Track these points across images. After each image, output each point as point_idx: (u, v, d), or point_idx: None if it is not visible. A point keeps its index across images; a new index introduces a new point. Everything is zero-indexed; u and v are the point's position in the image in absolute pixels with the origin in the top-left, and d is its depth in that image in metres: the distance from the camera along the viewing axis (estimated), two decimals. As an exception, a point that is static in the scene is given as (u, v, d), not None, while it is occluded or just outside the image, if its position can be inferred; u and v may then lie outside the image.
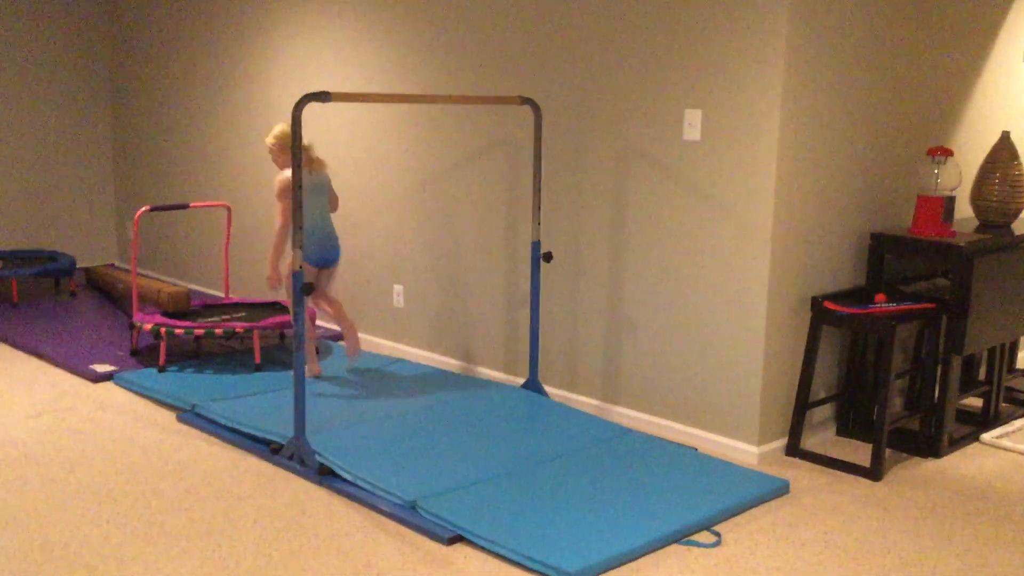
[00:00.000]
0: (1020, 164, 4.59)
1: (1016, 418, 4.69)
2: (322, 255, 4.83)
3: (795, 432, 4.18)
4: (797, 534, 3.46)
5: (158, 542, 3.31)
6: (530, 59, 4.74)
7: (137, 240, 5.37)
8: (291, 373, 5.02)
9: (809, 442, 4.30)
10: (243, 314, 5.51)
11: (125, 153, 7.85)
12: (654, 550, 3.29)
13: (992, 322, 4.29)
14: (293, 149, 3.74)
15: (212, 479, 3.84)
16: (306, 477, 3.84)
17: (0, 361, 5.38)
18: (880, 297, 4.17)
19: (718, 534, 3.42)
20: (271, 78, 6.25)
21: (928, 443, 4.24)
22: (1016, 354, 4.90)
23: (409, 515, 3.47)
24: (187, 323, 5.12)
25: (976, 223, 4.71)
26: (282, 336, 5.68)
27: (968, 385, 4.63)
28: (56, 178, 7.76)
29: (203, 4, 6.74)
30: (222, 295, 6.76)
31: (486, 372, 5.16)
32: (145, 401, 4.75)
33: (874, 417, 4.37)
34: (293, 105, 3.77)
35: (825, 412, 4.42)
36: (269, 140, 4.79)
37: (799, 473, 4.00)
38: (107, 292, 6.90)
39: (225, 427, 4.31)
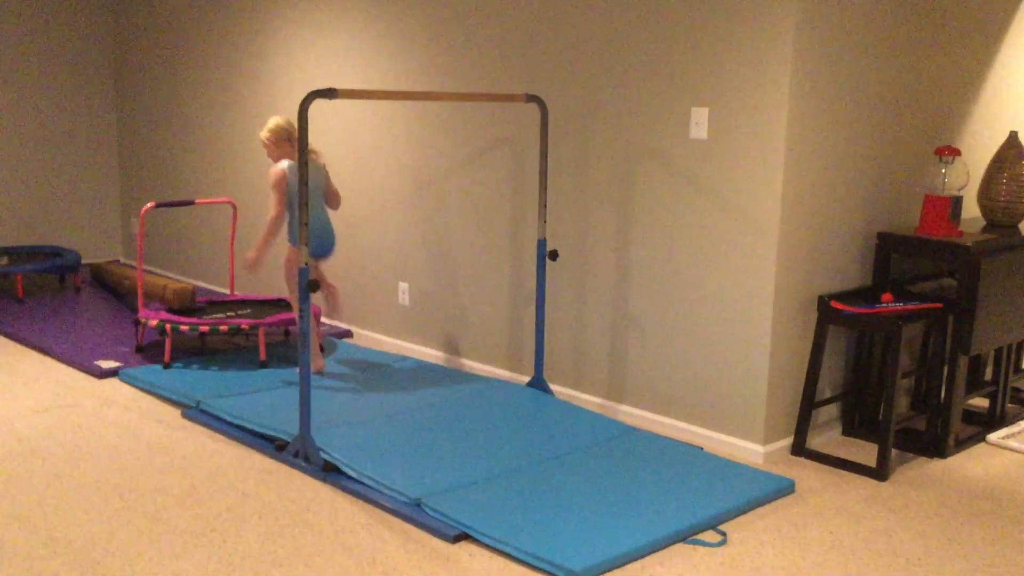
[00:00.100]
0: (1028, 164, 4.58)
1: (1022, 418, 4.68)
2: (320, 247, 4.83)
3: (801, 431, 4.18)
4: (803, 534, 3.45)
5: (163, 538, 3.31)
6: (536, 56, 4.73)
7: (142, 236, 5.36)
8: (296, 370, 5.02)
9: (815, 442, 4.29)
10: (248, 311, 5.51)
11: (130, 149, 7.85)
12: (659, 549, 3.29)
13: (999, 322, 4.28)
14: (299, 146, 3.74)
15: (217, 475, 3.84)
16: (311, 474, 3.84)
17: (5, 357, 5.38)
18: (887, 297, 4.16)
19: (724, 533, 3.41)
20: (276, 74, 6.25)
21: (934, 443, 4.23)
22: (1023, 354, 4.89)
23: (414, 513, 3.47)
24: (192, 319, 5.12)
25: (983, 223, 4.70)
26: (287, 333, 5.68)
27: (974, 385, 4.61)
28: (61, 174, 7.77)
29: (208, 0, 6.74)
30: (227, 291, 6.77)
31: (491, 370, 5.16)
32: (150, 397, 4.76)
33: (880, 417, 4.37)
34: (299, 102, 3.76)
35: (831, 412, 4.42)
36: (263, 134, 4.81)
37: (805, 473, 4.00)
38: (112, 288, 6.90)
39: (230, 423, 4.31)
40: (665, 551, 3.28)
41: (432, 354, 5.45)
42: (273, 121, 4.80)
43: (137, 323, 5.34)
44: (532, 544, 3.20)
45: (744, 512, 3.59)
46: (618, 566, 3.16)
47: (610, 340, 4.59)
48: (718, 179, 4.11)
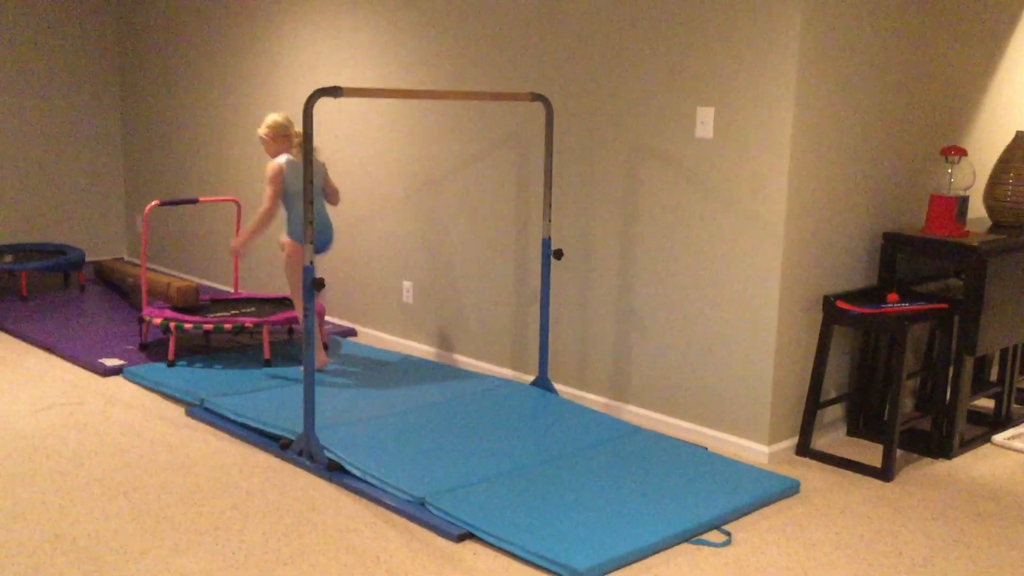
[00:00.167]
0: (1034, 164, 4.57)
1: (1028, 420, 4.67)
2: (319, 241, 4.85)
3: (806, 432, 4.17)
4: (807, 534, 3.44)
5: (167, 536, 3.31)
6: (542, 55, 4.72)
7: (147, 235, 5.36)
8: (300, 368, 5.02)
9: (819, 442, 4.28)
10: (252, 309, 5.51)
11: (135, 147, 7.85)
12: (664, 549, 3.28)
13: (1005, 323, 4.27)
14: (305, 145, 3.74)
15: (221, 474, 3.84)
16: (315, 473, 3.84)
17: (9, 354, 5.38)
18: (892, 297, 4.15)
19: (728, 533, 3.41)
20: (281, 73, 6.24)
21: (939, 444, 4.22)
22: (1028, 355, 4.88)
23: (418, 511, 3.46)
24: (196, 318, 5.12)
25: (989, 223, 4.69)
26: (291, 331, 5.67)
27: (980, 386, 4.60)
28: (66, 172, 7.78)
29: (214, -1, 6.75)
30: (231, 290, 6.77)
31: (495, 369, 5.15)
32: (154, 395, 4.75)
33: (885, 417, 4.36)
34: (304, 100, 3.76)
35: (836, 412, 4.41)
36: (262, 130, 4.84)
37: (809, 473, 3.99)
38: (116, 286, 6.90)
39: (234, 422, 4.31)
40: (670, 551, 3.28)
41: (436, 353, 5.44)
42: (271, 118, 4.83)
43: (141, 321, 5.34)
44: (536, 543, 3.20)
45: (749, 512, 3.59)
46: (622, 566, 3.16)
47: (614, 339, 4.58)
48: (723, 179, 4.10)
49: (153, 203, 5.39)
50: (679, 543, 3.33)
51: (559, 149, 4.69)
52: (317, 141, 5.15)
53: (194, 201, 5.71)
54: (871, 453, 4.21)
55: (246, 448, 4.11)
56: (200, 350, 5.38)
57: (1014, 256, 4.24)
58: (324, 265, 5.96)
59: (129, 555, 3.17)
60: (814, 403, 4.16)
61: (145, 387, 4.86)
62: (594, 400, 4.69)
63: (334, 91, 3.77)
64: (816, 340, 4.19)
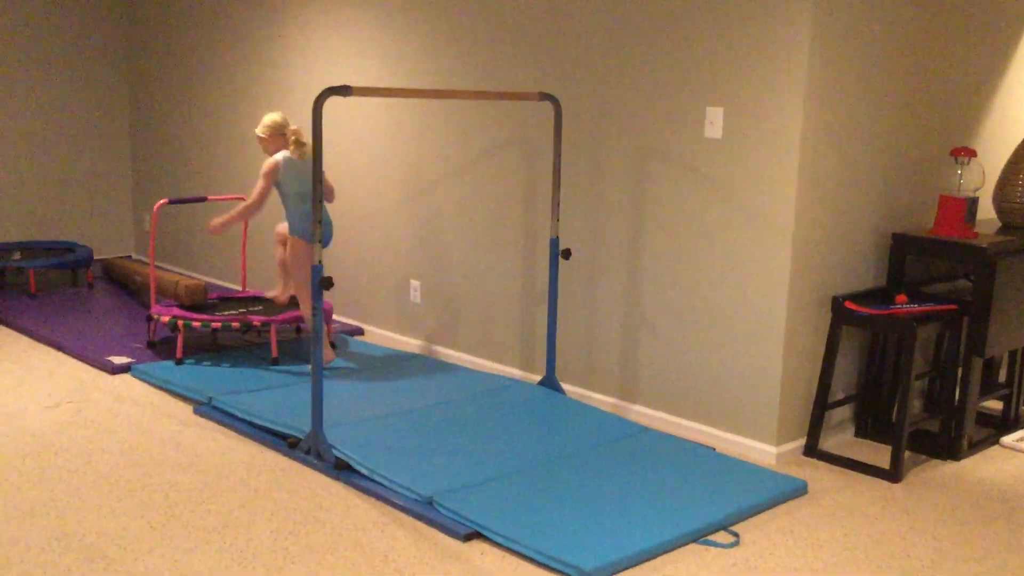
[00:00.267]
0: (1044, 165, 4.56)
1: (1036, 421, 4.66)
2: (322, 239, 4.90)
3: (813, 433, 4.16)
4: (815, 535, 3.44)
5: (175, 534, 3.31)
6: (550, 55, 4.72)
7: (155, 233, 5.37)
8: (308, 367, 5.02)
9: (827, 443, 4.27)
10: (260, 308, 5.51)
11: (143, 145, 7.87)
12: (672, 549, 3.28)
13: (1014, 325, 4.26)
14: (315, 144, 3.74)
15: (229, 472, 3.84)
16: (323, 471, 3.84)
17: (18, 352, 5.40)
18: (901, 298, 4.14)
19: (736, 534, 3.40)
20: (290, 71, 6.25)
21: (947, 446, 4.21)
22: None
23: (426, 511, 3.46)
24: (204, 316, 5.13)
25: (999, 224, 4.67)
26: (298, 330, 5.68)
27: (988, 388, 4.59)
28: (74, 170, 7.79)
29: (223, -3, 6.76)
30: (238, 288, 6.78)
31: (502, 369, 5.15)
32: (162, 393, 4.76)
33: (893, 419, 4.35)
34: (313, 98, 3.76)
35: (843, 413, 4.40)
36: (259, 130, 4.93)
37: (817, 474, 3.98)
38: (124, 284, 6.91)
39: (242, 420, 4.32)
40: (677, 551, 3.28)
41: (443, 352, 5.44)
42: (269, 118, 4.92)
43: (149, 319, 5.35)
44: (544, 543, 3.20)
45: (757, 513, 3.58)
46: (630, 566, 3.16)
47: (622, 339, 4.58)
48: (732, 179, 4.10)
49: (162, 201, 5.40)
50: (687, 543, 3.33)
51: (567, 148, 4.69)
52: (324, 140, 5.15)
53: (202, 199, 5.72)
54: (879, 454, 4.20)
55: (254, 446, 4.12)
56: (208, 348, 5.39)
57: (1023, 258, 4.23)
58: (331, 263, 5.97)
59: (137, 553, 3.18)
60: (822, 404, 4.15)
61: (153, 385, 4.87)
62: (601, 400, 4.69)
63: (344, 90, 3.77)
64: (824, 341, 4.19)
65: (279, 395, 4.56)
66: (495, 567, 3.14)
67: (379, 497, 3.61)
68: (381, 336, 5.80)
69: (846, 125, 4.07)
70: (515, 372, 5.09)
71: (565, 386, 4.79)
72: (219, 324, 5.04)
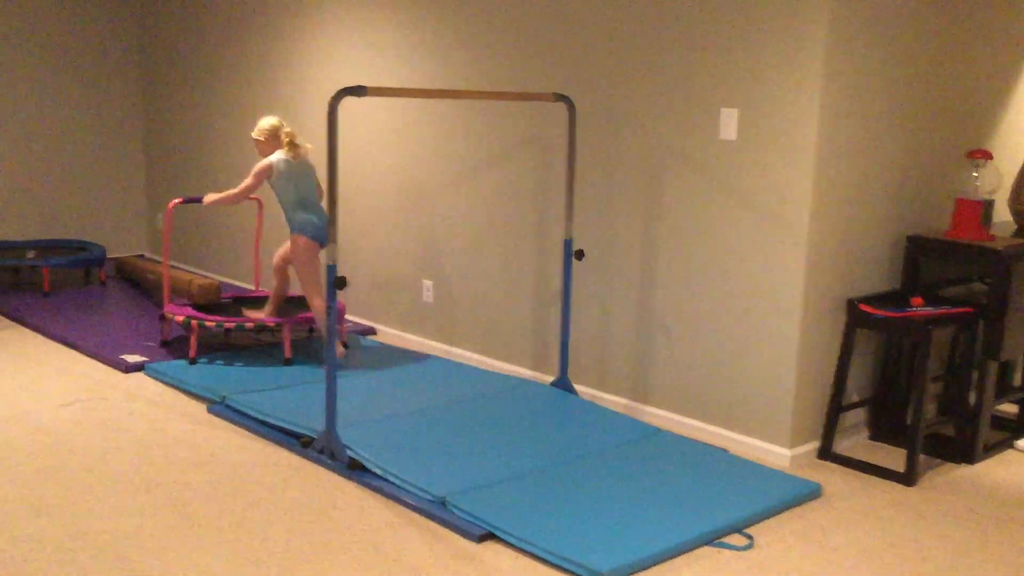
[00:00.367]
0: (1060, 168, 4.53)
1: (1051, 425, 4.63)
2: (321, 236, 5.06)
3: (828, 435, 4.15)
4: (830, 538, 3.43)
5: (189, 533, 3.32)
6: (565, 56, 4.72)
7: (169, 232, 5.39)
8: (321, 367, 5.03)
9: (841, 446, 4.26)
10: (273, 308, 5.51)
11: (156, 144, 7.89)
12: (685, 551, 3.27)
13: (1030, 328, 4.23)
14: (329, 145, 3.74)
15: (243, 471, 3.85)
16: (336, 471, 3.85)
17: (32, 350, 5.42)
18: (916, 301, 4.13)
19: (750, 537, 3.39)
20: (303, 71, 6.26)
21: (962, 449, 4.20)
22: (1052, 360, 4.84)
23: (439, 511, 3.46)
24: (218, 316, 5.14)
25: (1014, 227, 4.65)
26: (311, 330, 5.68)
27: (1003, 391, 4.57)
28: (88, 169, 7.82)
29: (237, -3, 6.77)
30: (251, 287, 6.79)
31: (515, 369, 5.15)
32: (176, 392, 4.77)
33: (908, 422, 4.33)
34: (327, 98, 3.76)
35: (858, 416, 4.38)
36: (256, 134, 5.12)
37: (831, 477, 3.97)
38: (137, 282, 6.93)
39: (256, 419, 4.32)
40: (691, 554, 3.27)
41: (456, 352, 5.44)
42: (267, 122, 5.11)
43: (163, 318, 5.36)
44: (558, 544, 3.19)
45: (771, 516, 3.57)
46: (644, 568, 3.15)
47: (636, 341, 4.58)
48: (747, 180, 4.09)
49: (176, 200, 5.41)
50: (700, 546, 3.32)
51: (581, 149, 4.69)
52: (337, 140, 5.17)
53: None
54: (893, 457, 4.18)
55: (267, 446, 4.12)
56: (220, 348, 5.40)
57: (1040, 260, 4.21)
58: (344, 263, 5.97)
59: (152, 551, 3.18)
60: (836, 407, 4.14)
61: (167, 384, 4.88)
62: (614, 401, 4.68)
63: (358, 90, 3.78)
64: (839, 343, 4.17)
65: (292, 394, 4.57)
66: (509, 568, 3.14)
67: (392, 497, 3.61)
68: (393, 336, 5.80)
69: (862, 127, 4.06)
70: (527, 373, 5.09)
71: (578, 387, 4.79)
72: (233, 324, 5.05)
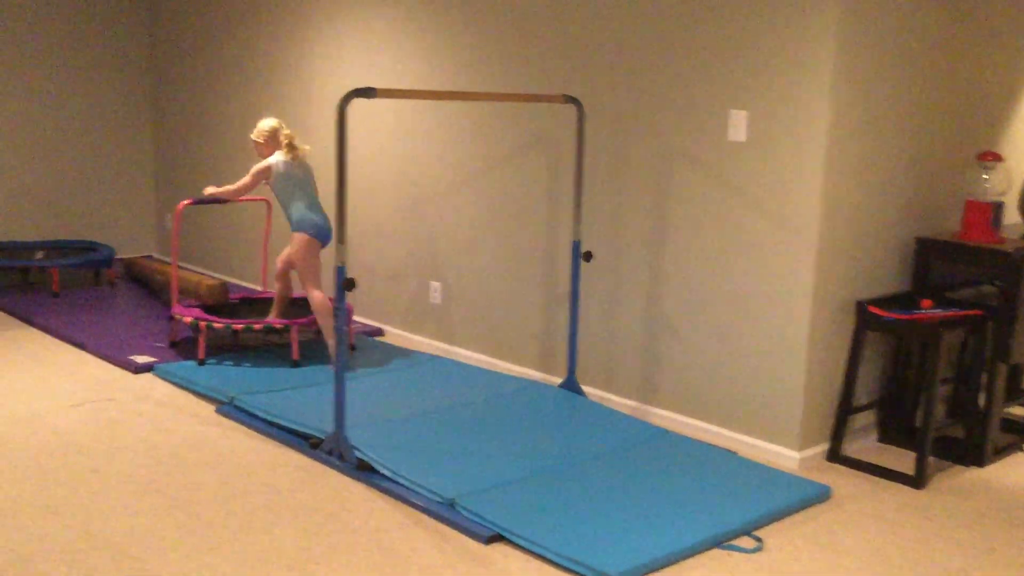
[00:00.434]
0: (1070, 170, 4.52)
1: (1061, 428, 4.62)
2: (322, 235, 5.13)
3: (837, 438, 4.14)
4: (839, 541, 3.42)
5: (199, 533, 3.32)
6: (574, 57, 4.72)
7: (178, 233, 5.41)
8: (329, 368, 5.03)
9: (850, 448, 4.25)
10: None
11: (165, 146, 7.90)
12: (695, 554, 3.27)
13: (1040, 330, 4.22)
14: (338, 146, 3.74)
15: (252, 472, 3.86)
16: (345, 472, 3.85)
17: (41, 350, 5.43)
18: (926, 303, 4.12)
19: (759, 539, 3.39)
20: (313, 72, 6.27)
21: (971, 452, 4.18)
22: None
23: (448, 513, 3.46)
24: (227, 318, 5.15)
25: (1023, 230, 4.65)
26: (319, 332, 5.68)
27: (1013, 394, 4.56)
28: (97, 170, 7.84)
29: (246, -1, 6.78)
30: (259, 288, 6.80)
31: (522, 371, 5.15)
32: (184, 393, 4.78)
33: (917, 424, 4.32)
34: (337, 100, 3.77)
35: (867, 418, 4.37)
36: (256, 136, 5.21)
37: (840, 479, 3.96)
38: (146, 283, 6.95)
39: (264, 420, 4.33)
40: (700, 556, 3.27)
41: (463, 354, 5.44)
42: (267, 124, 5.20)
43: (171, 319, 5.37)
44: (567, 546, 3.19)
45: (780, 518, 3.57)
46: (653, 570, 3.15)
47: (644, 342, 4.57)
48: (756, 182, 4.08)
49: (185, 202, 5.42)
50: (710, 548, 3.31)
51: (590, 151, 4.69)
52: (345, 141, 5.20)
53: (225, 201, 5.74)
54: (902, 460, 4.17)
55: (276, 447, 4.13)
56: (228, 348, 5.40)
57: (1050, 263, 4.20)
58: (352, 264, 5.98)
59: (161, 552, 3.19)
60: (845, 409, 4.13)
61: (176, 384, 4.89)
62: (622, 403, 4.68)
63: (368, 92, 3.78)
64: (848, 345, 4.17)
65: (300, 395, 4.57)
66: (518, 570, 3.14)
67: (401, 498, 3.62)
68: (401, 337, 5.81)
69: (872, 129, 4.05)
70: (535, 374, 5.09)
71: (585, 388, 4.79)
72: (241, 326, 5.06)
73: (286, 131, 5.17)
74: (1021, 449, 4.36)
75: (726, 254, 4.22)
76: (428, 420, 4.32)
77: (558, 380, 4.92)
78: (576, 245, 4.58)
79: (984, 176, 4.29)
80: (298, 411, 4.33)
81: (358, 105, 5.82)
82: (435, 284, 5.58)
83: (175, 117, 7.71)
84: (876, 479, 3.99)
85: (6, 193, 7.43)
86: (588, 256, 4.57)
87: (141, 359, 5.16)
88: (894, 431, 4.40)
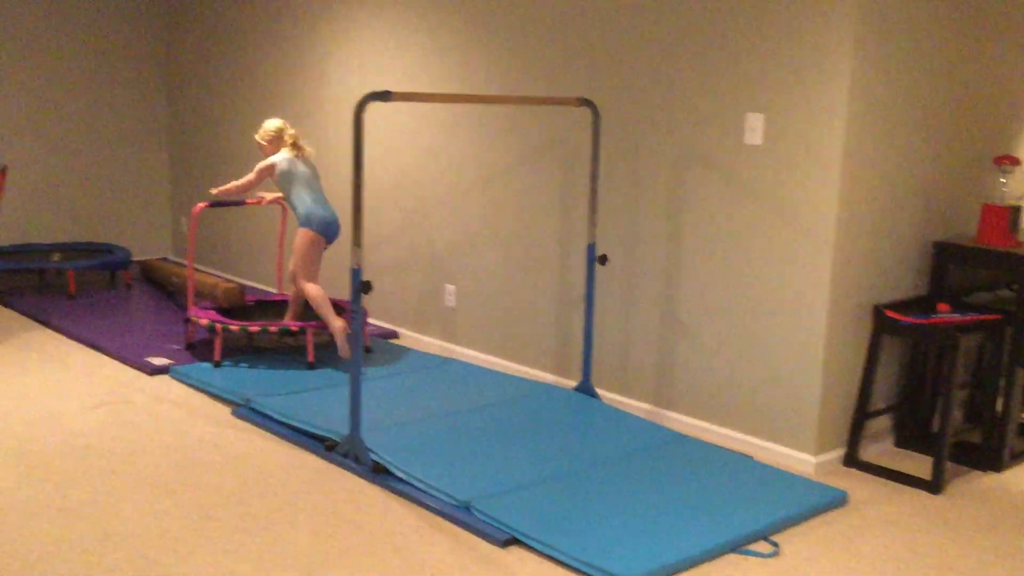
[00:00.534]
0: (1089, 174, 4.50)
1: (1079, 433, 4.59)
2: (329, 231, 5.20)
3: (853, 442, 4.12)
4: (856, 546, 3.41)
5: (215, 535, 3.33)
6: (589, 60, 4.72)
7: (194, 236, 5.43)
8: (344, 371, 5.04)
9: (867, 453, 4.23)
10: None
11: (181, 148, 7.94)
12: (711, 559, 3.26)
13: (1058, 335, 4.20)
14: (355, 148, 3.75)
15: (268, 474, 3.86)
16: (360, 475, 3.85)
17: (58, 352, 5.46)
18: (943, 307, 4.10)
19: (776, 544, 3.38)
20: (328, 75, 6.28)
21: (989, 456, 4.16)
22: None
23: (464, 516, 3.47)
24: (242, 321, 5.16)
25: (1042, 234, 4.62)
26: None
27: (1030, 398, 4.53)
28: (113, 173, 7.87)
29: (261, 0, 6.79)
30: (274, 291, 6.82)
31: (537, 374, 5.15)
32: (200, 395, 4.80)
33: (934, 429, 4.31)
34: (353, 103, 3.77)
35: (883, 423, 4.36)
36: (260, 137, 5.28)
37: (857, 484, 3.95)
38: (162, 285, 6.98)
39: (280, 422, 4.34)
40: (716, 561, 3.26)
41: (478, 357, 5.45)
42: (272, 124, 5.28)
43: (187, 321, 5.39)
44: (583, 550, 3.19)
45: (796, 523, 3.56)
46: (669, 574, 3.14)
47: (659, 346, 4.57)
48: (772, 185, 4.07)
49: (202, 204, 5.44)
50: (726, 553, 3.31)
51: (605, 154, 4.68)
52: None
53: (240, 203, 5.76)
54: (919, 465, 4.16)
55: (292, 449, 4.14)
56: (244, 350, 5.42)
57: (1068, 267, 4.17)
58: (366, 267, 5.99)
59: (178, 554, 3.20)
60: (862, 413, 4.12)
61: (192, 386, 4.90)
62: (637, 406, 4.67)
63: (384, 95, 3.79)
64: (864, 349, 4.15)
65: (316, 398, 4.58)
66: (534, 574, 3.14)
67: (417, 501, 3.62)
68: (416, 340, 5.81)
69: (888, 132, 4.04)
70: (550, 377, 5.08)
71: (600, 392, 4.78)
72: (257, 328, 5.08)
73: (291, 131, 5.26)
74: (1039, 454, 4.34)
75: (742, 258, 4.21)
76: (443, 423, 4.32)
77: (573, 383, 4.92)
78: (591, 248, 4.58)
79: (1002, 180, 4.27)
80: (313, 413, 4.33)
81: (372, 108, 5.83)
82: (450, 287, 5.59)
83: (191, 120, 7.74)
84: (893, 484, 3.97)
85: (23, 195, 7.47)
86: (603, 259, 4.57)
87: (157, 361, 5.18)
88: (911, 436, 4.38)
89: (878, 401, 4.29)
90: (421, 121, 5.66)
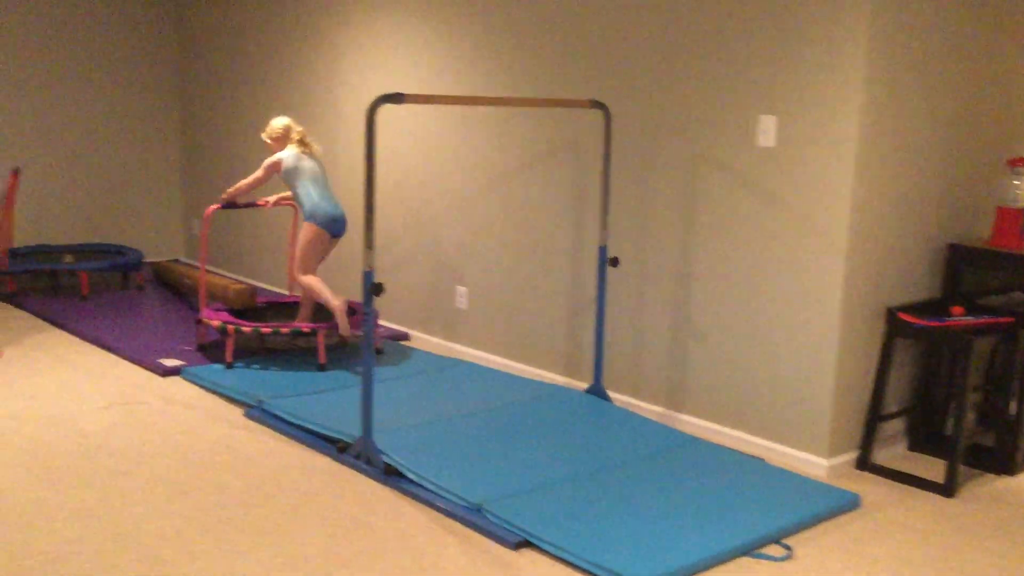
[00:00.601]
0: (1104, 176, 4.47)
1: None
2: (335, 227, 5.23)
3: (866, 445, 4.11)
4: (869, 550, 3.39)
5: (227, 537, 3.34)
6: (601, 62, 4.71)
7: (206, 238, 5.44)
8: (356, 373, 5.05)
9: (880, 456, 4.22)
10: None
11: (193, 150, 7.96)
12: (723, 562, 3.25)
13: (1072, 338, 4.18)
14: (367, 151, 3.75)
15: (280, 475, 3.87)
16: (372, 477, 3.86)
17: (70, 353, 5.47)
18: (957, 310, 4.08)
19: (788, 547, 3.37)
20: (340, 77, 6.29)
21: (1002, 460, 4.15)
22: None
23: (475, 518, 3.46)
24: (254, 322, 5.17)
25: (1056, 236, 4.59)
26: (343, 337, 5.70)
27: (1044, 402, 4.51)
28: (125, 174, 7.90)
29: (272, 2, 6.81)
30: (286, 292, 6.83)
31: (549, 376, 5.14)
32: (212, 396, 4.81)
33: (947, 432, 4.29)
34: (365, 105, 3.78)
35: (896, 426, 4.34)
36: (267, 136, 5.35)
37: (870, 487, 3.93)
38: (173, 287, 7.00)
39: (292, 424, 4.35)
40: (728, 564, 3.25)
41: (489, 359, 5.45)
42: (279, 123, 5.36)
43: (199, 323, 5.41)
44: (595, 553, 3.18)
45: (809, 527, 3.54)
46: (681, 577, 3.14)
47: (670, 348, 4.56)
48: (785, 187, 4.06)
49: (214, 207, 5.45)
50: (738, 556, 3.30)
51: (617, 156, 4.68)
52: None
53: (252, 205, 5.77)
54: (933, 468, 4.14)
55: (304, 450, 4.14)
56: (255, 352, 5.43)
57: (1083, 270, 4.15)
58: (377, 268, 6.00)
59: (191, 555, 3.21)
60: (875, 416, 4.10)
61: (203, 388, 4.91)
62: (649, 409, 4.67)
63: (396, 97, 3.79)
64: (877, 352, 4.14)
65: (328, 399, 4.59)
66: (545, 576, 3.14)
67: (428, 503, 3.62)
68: (427, 342, 5.82)
69: (902, 135, 4.02)
70: (561, 379, 5.08)
71: (612, 394, 4.78)
72: (269, 329, 5.08)
73: (298, 129, 5.31)
74: (1053, 458, 4.32)
75: (754, 260, 4.20)
76: (455, 425, 4.32)
77: (584, 385, 4.91)
78: (603, 250, 4.57)
79: (1015, 182, 4.25)
80: (325, 415, 4.34)
81: (384, 110, 5.84)
82: (461, 289, 5.59)
83: (203, 122, 7.77)
84: (906, 487, 3.96)
85: (36, 197, 7.50)
86: (615, 261, 4.57)
87: (169, 362, 5.19)
88: (924, 439, 4.37)
89: (891, 404, 4.27)
90: (433, 123, 5.66)
